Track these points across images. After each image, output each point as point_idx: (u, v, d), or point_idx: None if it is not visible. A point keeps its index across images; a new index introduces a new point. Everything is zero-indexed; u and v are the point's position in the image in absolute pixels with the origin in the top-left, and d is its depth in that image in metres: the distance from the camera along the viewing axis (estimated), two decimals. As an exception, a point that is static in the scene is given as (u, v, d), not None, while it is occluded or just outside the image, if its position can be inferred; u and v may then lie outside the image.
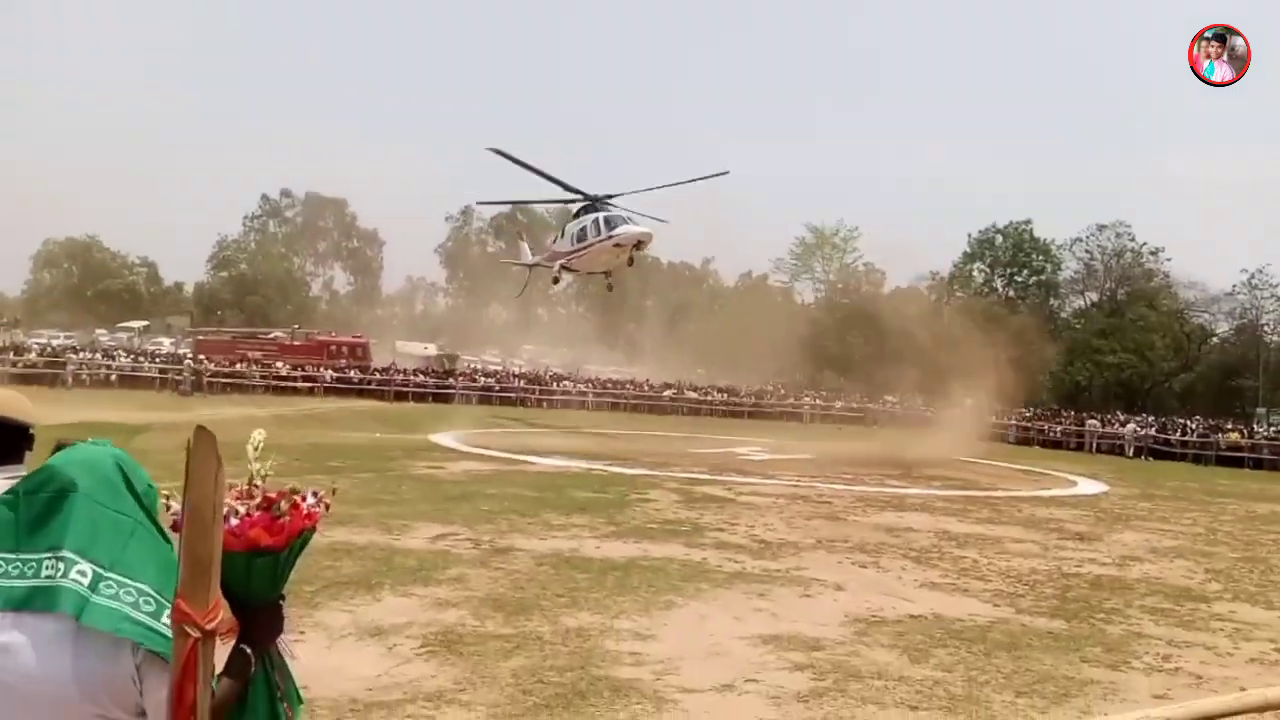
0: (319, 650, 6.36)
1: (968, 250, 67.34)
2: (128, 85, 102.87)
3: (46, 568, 1.80)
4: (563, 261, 33.54)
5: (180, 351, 48.57)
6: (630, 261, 32.29)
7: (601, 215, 31.48)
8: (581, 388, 45.22)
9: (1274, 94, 77.74)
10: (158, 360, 42.25)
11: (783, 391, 50.27)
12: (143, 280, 76.71)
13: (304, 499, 2.12)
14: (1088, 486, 21.61)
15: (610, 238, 30.94)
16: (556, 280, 35.24)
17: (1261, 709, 3.98)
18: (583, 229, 32.09)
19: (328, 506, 2.17)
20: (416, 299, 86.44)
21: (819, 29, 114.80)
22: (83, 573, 1.80)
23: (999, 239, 66.55)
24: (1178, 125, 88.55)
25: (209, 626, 1.68)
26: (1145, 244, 61.72)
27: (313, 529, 2.13)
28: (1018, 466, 26.40)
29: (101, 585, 1.80)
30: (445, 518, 11.82)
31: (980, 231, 66.95)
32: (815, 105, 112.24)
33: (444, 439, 23.28)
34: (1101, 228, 62.64)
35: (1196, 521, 16.58)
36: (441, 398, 41.10)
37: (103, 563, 1.82)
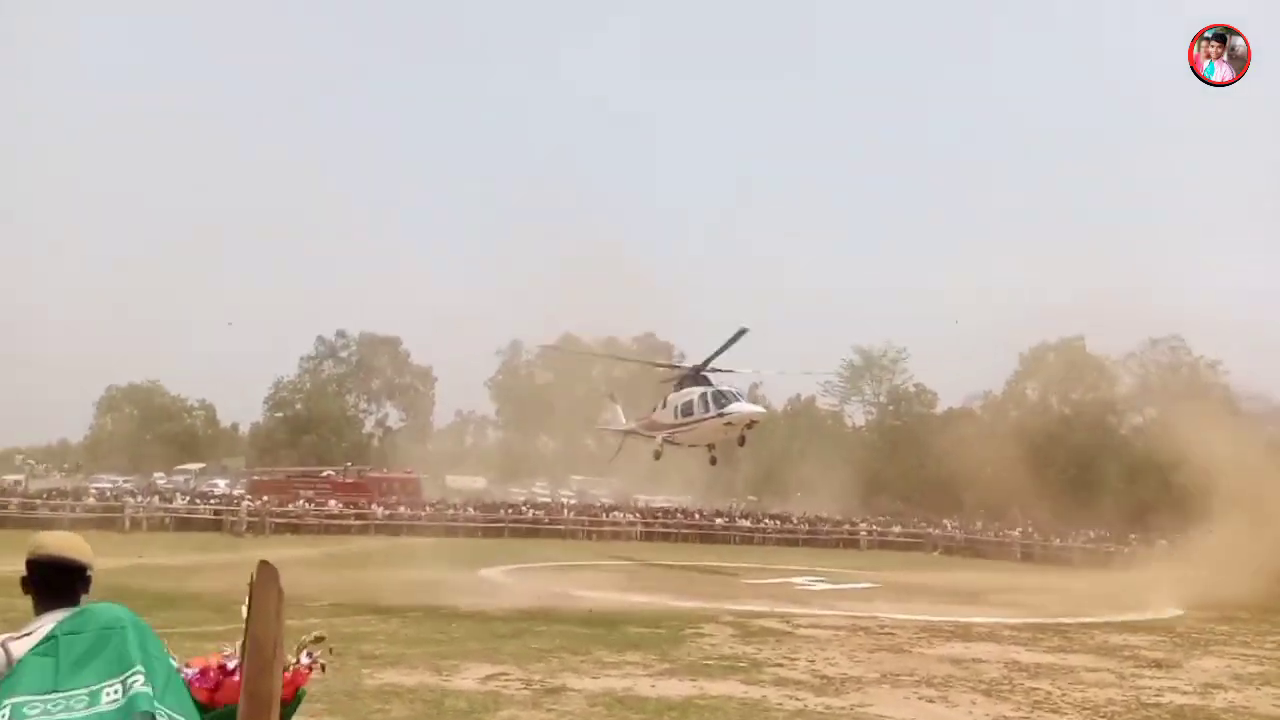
0: (368, 800, 6.19)
1: (1019, 368, 66.81)
2: (185, 234, 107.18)
3: (106, 696, 1.81)
4: (665, 435, 31.42)
5: (235, 492, 49.26)
6: (742, 441, 30.20)
7: (709, 391, 29.70)
8: (632, 518, 44.82)
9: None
10: (212, 502, 42.79)
11: (838, 518, 49.30)
12: (200, 422, 78.57)
13: (298, 659, 2.21)
14: (1161, 609, 20.69)
15: (722, 415, 29.05)
16: (658, 455, 32.16)
17: None
18: (689, 403, 30.20)
19: (324, 668, 2.26)
20: (466, 432, 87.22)
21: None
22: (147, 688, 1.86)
23: (1050, 356, 65.96)
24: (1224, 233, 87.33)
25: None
26: (1201, 357, 60.69)
27: (304, 691, 2.22)
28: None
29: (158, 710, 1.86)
30: (495, 656, 11.62)
31: (1032, 349, 66.53)
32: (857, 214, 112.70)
33: (493, 574, 23.05)
34: (1154, 342, 61.86)
35: (1281, 646, 15.76)
36: (492, 532, 40.96)
37: (157, 687, 1.87)
